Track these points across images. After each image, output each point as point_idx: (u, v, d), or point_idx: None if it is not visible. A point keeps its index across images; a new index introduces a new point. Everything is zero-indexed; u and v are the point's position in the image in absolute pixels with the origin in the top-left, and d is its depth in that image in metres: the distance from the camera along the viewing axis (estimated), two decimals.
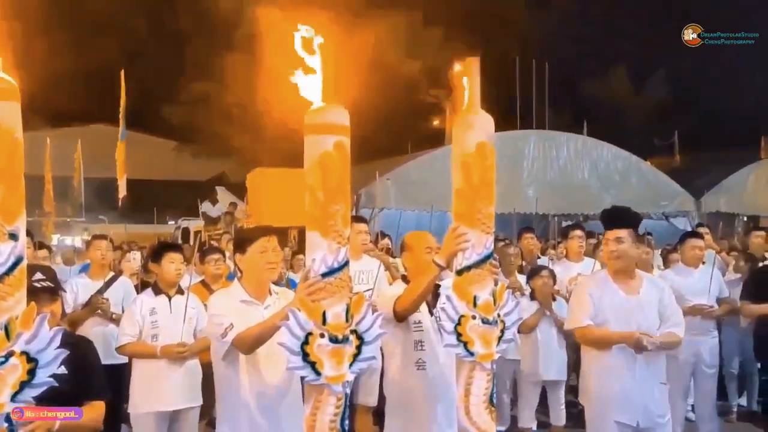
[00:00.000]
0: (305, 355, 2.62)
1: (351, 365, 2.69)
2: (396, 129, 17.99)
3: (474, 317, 2.93)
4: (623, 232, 3.55)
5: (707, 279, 5.53)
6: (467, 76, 2.95)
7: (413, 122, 20.01)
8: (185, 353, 4.22)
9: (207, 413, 5.28)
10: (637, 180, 16.20)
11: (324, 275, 2.63)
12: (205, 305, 4.44)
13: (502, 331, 3.02)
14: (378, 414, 5.17)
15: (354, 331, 2.70)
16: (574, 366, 6.19)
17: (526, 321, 5.33)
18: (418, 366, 3.23)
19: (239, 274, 3.18)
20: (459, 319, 2.93)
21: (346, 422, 2.73)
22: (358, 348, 2.71)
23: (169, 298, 4.35)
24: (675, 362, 4.76)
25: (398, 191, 14.06)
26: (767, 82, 22.05)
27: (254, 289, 3.05)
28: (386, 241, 7.60)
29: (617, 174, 16.37)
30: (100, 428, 2.77)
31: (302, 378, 2.75)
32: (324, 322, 2.63)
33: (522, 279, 5.76)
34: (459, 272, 2.98)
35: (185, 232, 15.22)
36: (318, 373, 2.62)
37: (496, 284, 3.01)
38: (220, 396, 3.03)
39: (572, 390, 6.67)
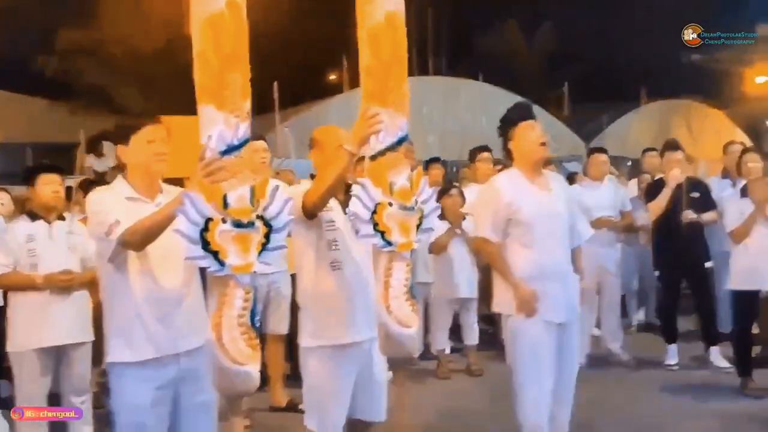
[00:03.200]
0: (206, 244, 2.32)
1: (260, 255, 2.42)
2: (294, 81, 17.46)
3: (391, 204, 2.73)
4: (538, 124, 3.43)
5: (612, 193, 5.66)
6: None
7: (311, 76, 19.54)
8: (71, 282, 3.79)
9: (100, 360, 4.85)
10: None
11: (223, 153, 2.33)
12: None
13: (421, 220, 2.84)
14: (290, 343, 4.94)
15: (261, 218, 2.43)
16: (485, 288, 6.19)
17: (438, 240, 5.24)
18: (333, 266, 2.99)
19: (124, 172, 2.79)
20: (375, 208, 2.72)
21: (257, 319, 2.48)
22: (267, 236, 2.44)
23: (49, 224, 3.88)
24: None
25: (298, 141, 13.69)
26: (648, 39, 23.08)
27: (141, 184, 2.68)
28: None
29: None
30: None
31: (204, 273, 2.46)
32: (225, 206, 2.34)
33: None
34: (373, 158, 2.76)
35: (69, 190, 14.13)
36: (221, 263, 2.34)
37: (412, 171, 2.82)
38: (109, 306, 2.66)
39: (484, 318, 6.70)
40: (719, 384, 5.02)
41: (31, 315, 3.78)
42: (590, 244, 4.86)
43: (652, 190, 5.54)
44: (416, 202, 2.80)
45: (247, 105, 2.38)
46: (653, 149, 7.01)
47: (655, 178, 5.88)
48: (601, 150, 5.97)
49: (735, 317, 4.98)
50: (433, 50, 18.00)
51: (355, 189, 2.71)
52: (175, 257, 2.52)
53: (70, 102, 17.58)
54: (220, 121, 2.32)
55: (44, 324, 3.77)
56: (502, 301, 3.42)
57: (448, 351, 5.69)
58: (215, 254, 2.33)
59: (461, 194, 5.46)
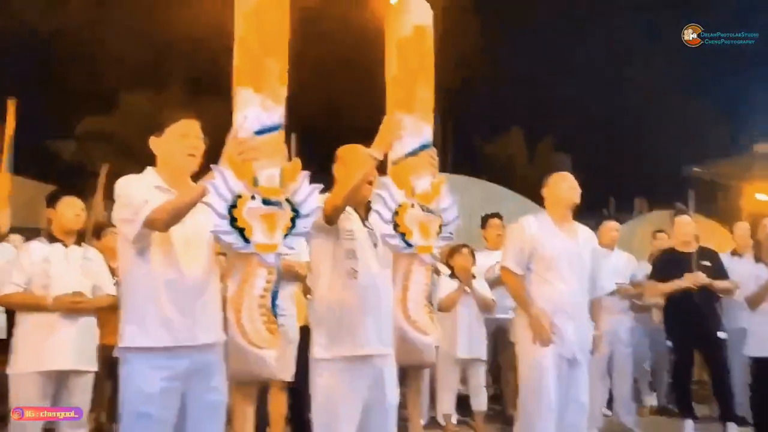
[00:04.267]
0: (233, 220, 2.35)
1: (285, 237, 2.43)
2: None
3: (413, 206, 2.77)
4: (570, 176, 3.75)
5: (623, 262, 5.66)
6: None
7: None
8: (80, 305, 3.74)
9: (99, 401, 4.66)
10: None
11: (257, 133, 2.40)
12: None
13: (440, 228, 2.87)
14: (295, 394, 4.74)
15: (288, 202, 2.46)
16: (493, 352, 6.01)
17: (447, 297, 5.19)
18: (350, 275, 2.95)
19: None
20: (396, 210, 2.76)
21: (278, 304, 2.45)
22: (293, 221, 2.46)
23: (66, 247, 3.88)
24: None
25: None
26: (649, 152, 23.85)
27: (170, 178, 2.64)
28: None
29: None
30: None
31: (226, 250, 2.45)
32: (255, 184, 2.38)
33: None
34: (395, 163, 2.84)
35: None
36: (246, 240, 2.35)
37: (433, 178, 2.88)
38: (127, 292, 2.59)
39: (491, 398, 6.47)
40: None
41: (35, 335, 3.68)
42: (602, 312, 4.86)
43: (660, 263, 5.50)
44: (437, 207, 2.83)
45: (284, 91, 2.48)
46: (662, 231, 7.07)
47: (665, 249, 5.86)
48: (611, 218, 6.02)
49: (753, 385, 4.84)
50: (440, 149, 18.52)
51: (378, 188, 2.75)
52: (197, 246, 2.52)
53: (86, 187, 17.89)
54: (257, 102, 2.40)
55: (48, 346, 3.66)
56: (519, 331, 3.49)
57: (454, 421, 5.45)
58: (241, 231, 2.34)
59: (472, 253, 5.46)
